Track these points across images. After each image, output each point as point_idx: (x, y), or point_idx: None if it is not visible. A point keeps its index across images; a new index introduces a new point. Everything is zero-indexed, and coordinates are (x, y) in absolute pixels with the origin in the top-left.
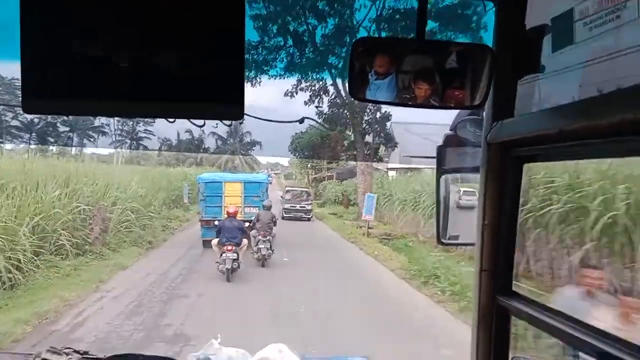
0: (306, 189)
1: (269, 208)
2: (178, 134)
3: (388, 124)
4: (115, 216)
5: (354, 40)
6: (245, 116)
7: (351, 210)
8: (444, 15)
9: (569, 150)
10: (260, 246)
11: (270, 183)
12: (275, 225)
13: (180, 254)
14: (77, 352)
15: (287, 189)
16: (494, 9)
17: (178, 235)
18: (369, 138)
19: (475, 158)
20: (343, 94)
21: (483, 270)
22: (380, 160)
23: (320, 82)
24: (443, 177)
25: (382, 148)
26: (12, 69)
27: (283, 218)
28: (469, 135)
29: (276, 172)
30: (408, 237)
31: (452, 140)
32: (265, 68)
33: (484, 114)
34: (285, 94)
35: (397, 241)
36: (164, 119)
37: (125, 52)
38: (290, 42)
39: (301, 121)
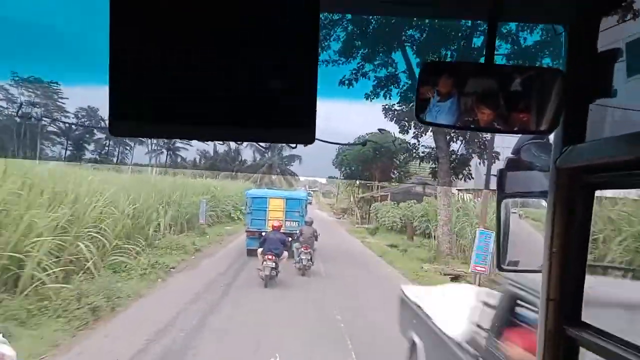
0: None
1: (310, 224)
2: (215, 144)
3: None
4: (35, 256)
5: (422, 64)
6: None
7: (418, 242)
8: (514, 39)
9: None
10: (302, 257)
11: (310, 203)
12: (317, 240)
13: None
14: None
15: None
16: (564, 32)
17: (174, 281)
18: (455, 145)
19: (539, 183)
20: None
21: (550, 300)
22: (467, 177)
23: (391, 66)
24: (504, 201)
25: (473, 161)
26: None
27: None
28: (534, 159)
29: (314, 189)
30: None
31: (515, 164)
32: None
33: (552, 138)
34: (341, 83)
35: None
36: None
37: (205, 76)
38: (348, 15)
39: (364, 144)
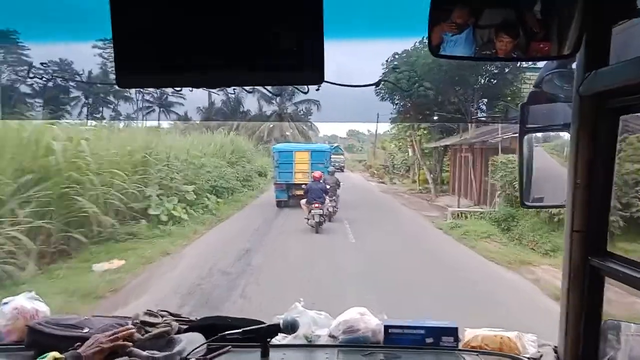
0: None
1: (333, 173)
2: (210, 95)
3: None
4: None
5: None
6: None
7: None
8: None
9: None
10: (328, 204)
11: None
12: (339, 187)
13: None
14: (172, 314)
15: None
16: None
17: None
18: None
19: (563, 114)
20: None
21: (574, 231)
22: None
23: None
24: (526, 136)
25: None
26: None
27: None
28: (557, 90)
29: (334, 144)
30: None
31: (537, 97)
32: None
33: (575, 65)
34: None
35: None
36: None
37: (207, 23)
38: None
39: (377, 84)
